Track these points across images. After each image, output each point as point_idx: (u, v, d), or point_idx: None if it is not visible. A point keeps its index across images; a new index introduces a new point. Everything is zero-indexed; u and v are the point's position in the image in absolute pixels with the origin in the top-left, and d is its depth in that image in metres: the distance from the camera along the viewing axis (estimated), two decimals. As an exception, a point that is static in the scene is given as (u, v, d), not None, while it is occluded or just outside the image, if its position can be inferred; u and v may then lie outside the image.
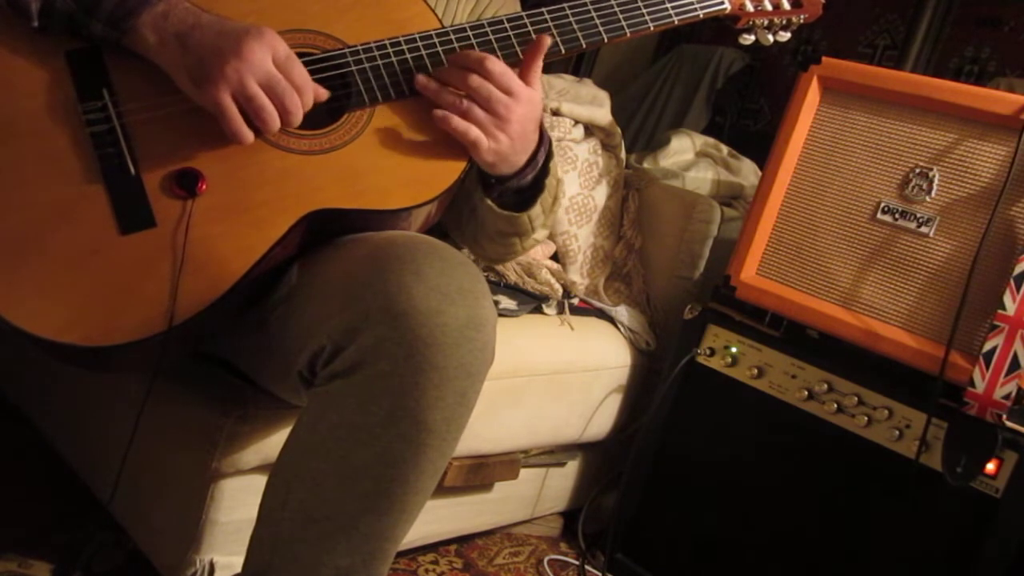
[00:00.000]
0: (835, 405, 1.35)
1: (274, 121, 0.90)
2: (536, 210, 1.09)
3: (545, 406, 1.53)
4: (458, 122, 0.97)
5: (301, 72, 0.91)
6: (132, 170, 0.90)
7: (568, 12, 1.06)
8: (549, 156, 1.08)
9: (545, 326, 1.59)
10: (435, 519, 1.45)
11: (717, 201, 1.82)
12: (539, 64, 1.02)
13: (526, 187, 1.07)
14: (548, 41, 1.02)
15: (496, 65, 0.98)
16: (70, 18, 0.90)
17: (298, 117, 0.91)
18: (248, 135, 0.89)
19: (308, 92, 0.92)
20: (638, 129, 3.09)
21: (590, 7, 1.07)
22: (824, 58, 1.42)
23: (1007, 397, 1.16)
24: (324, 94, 0.95)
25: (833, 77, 1.41)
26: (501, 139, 0.99)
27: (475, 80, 0.97)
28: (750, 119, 3.15)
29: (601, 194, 1.85)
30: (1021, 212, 1.23)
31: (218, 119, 0.89)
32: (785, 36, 1.24)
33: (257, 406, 1.10)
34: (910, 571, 1.27)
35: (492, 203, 1.06)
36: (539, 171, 1.07)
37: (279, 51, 0.90)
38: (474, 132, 0.97)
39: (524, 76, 1.00)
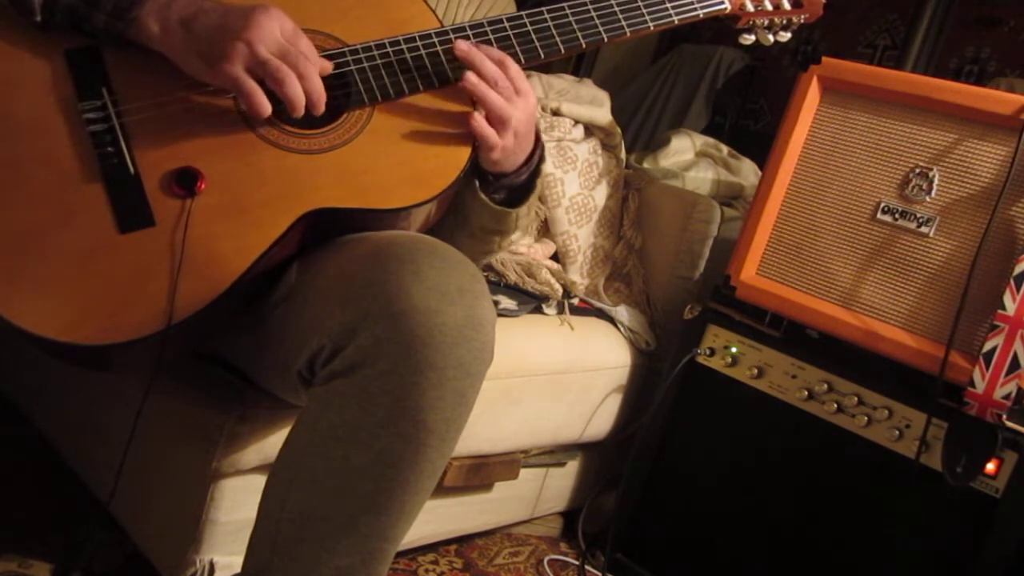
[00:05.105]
0: (835, 405, 1.35)
1: (293, 82, 0.88)
2: (523, 208, 1.10)
3: (545, 406, 1.53)
4: (481, 123, 0.98)
5: (308, 44, 0.91)
6: (131, 169, 0.90)
7: (568, 12, 1.06)
8: (542, 158, 1.10)
9: (545, 326, 1.59)
10: (435, 519, 1.45)
11: (717, 201, 1.82)
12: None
13: (519, 185, 1.09)
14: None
15: (514, 66, 1.01)
16: (72, 12, 0.90)
17: (316, 82, 0.90)
18: (267, 107, 0.89)
19: (317, 63, 0.92)
20: (638, 129, 3.09)
21: (590, 7, 1.07)
22: (824, 58, 1.42)
23: (1007, 397, 1.16)
24: (329, 66, 0.95)
25: (833, 77, 1.41)
26: (508, 137, 1.01)
27: (497, 73, 1.00)
28: (750, 119, 3.15)
29: (601, 194, 1.85)
30: (1021, 212, 1.23)
31: (236, 94, 0.89)
32: (785, 36, 1.24)
33: (257, 406, 1.10)
34: (910, 571, 1.27)
35: (487, 198, 1.06)
36: (533, 171, 1.09)
37: (286, 25, 0.90)
38: (490, 132, 0.99)
39: None
